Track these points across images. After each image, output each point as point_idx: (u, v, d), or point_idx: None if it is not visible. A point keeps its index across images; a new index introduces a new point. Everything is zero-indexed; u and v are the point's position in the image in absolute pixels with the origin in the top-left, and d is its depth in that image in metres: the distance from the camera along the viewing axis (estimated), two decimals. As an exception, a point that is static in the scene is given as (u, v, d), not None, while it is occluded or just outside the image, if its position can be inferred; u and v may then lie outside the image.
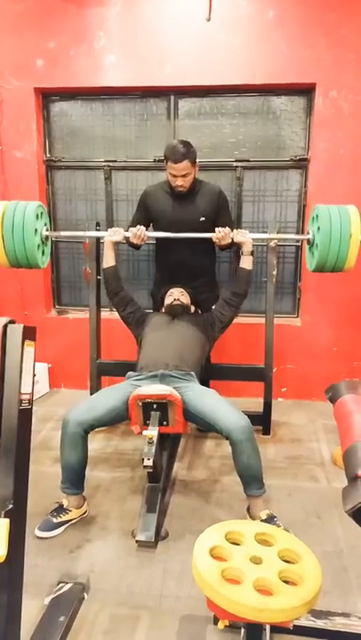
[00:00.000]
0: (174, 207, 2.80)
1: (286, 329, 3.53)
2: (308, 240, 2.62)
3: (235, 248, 2.79)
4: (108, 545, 2.08)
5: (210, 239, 2.66)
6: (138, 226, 2.67)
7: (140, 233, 2.64)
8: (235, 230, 2.66)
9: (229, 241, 2.64)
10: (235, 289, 2.72)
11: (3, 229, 2.41)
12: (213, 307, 3.01)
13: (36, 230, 2.45)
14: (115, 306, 2.81)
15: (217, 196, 2.84)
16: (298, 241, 3.55)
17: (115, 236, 2.69)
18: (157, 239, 2.99)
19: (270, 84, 3.26)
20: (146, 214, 2.89)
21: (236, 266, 3.50)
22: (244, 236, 2.65)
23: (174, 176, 2.66)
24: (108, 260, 2.74)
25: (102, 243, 2.96)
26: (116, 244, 2.75)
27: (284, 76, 3.22)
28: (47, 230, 2.63)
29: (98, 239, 3.03)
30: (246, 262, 2.68)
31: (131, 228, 2.68)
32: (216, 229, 2.64)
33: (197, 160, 2.72)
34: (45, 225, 2.62)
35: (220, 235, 2.61)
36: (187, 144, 2.64)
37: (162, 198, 2.83)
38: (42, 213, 2.56)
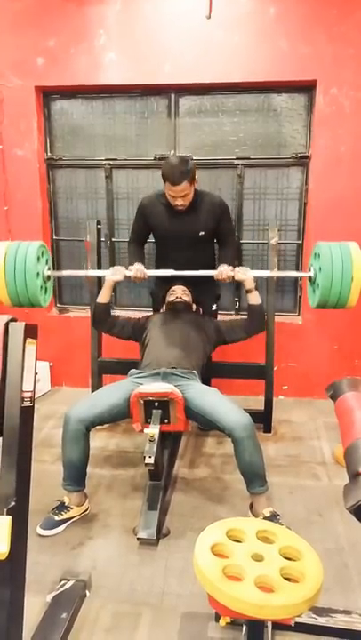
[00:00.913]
0: (172, 221, 2.75)
1: (287, 327, 3.53)
2: (310, 278, 2.59)
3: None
4: (109, 542, 2.09)
5: (210, 240, 2.62)
6: (137, 266, 2.63)
7: (140, 274, 2.61)
8: (236, 269, 2.60)
9: (230, 280, 2.61)
10: (252, 324, 2.69)
11: (5, 274, 2.39)
12: (214, 306, 3.02)
13: (38, 274, 2.44)
14: (104, 332, 2.87)
15: (217, 207, 2.79)
16: (299, 232, 3.52)
17: (116, 275, 2.64)
18: (157, 244, 2.96)
19: (271, 82, 3.26)
20: (144, 226, 2.87)
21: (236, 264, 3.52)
22: (245, 274, 2.58)
23: (173, 197, 2.62)
24: (104, 297, 2.71)
25: (103, 240, 2.96)
26: (117, 282, 2.71)
27: (284, 74, 3.21)
28: (49, 270, 2.61)
29: (99, 238, 3.02)
30: (253, 299, 2.64)
31: (131, 267, 2.64)
32: (218, 269, 2.61)
33: (196, 175, 2.65)
34: (47, 263, 2.60)
35: (223, 276, 2.58)
36: (185, 162, 2.56)
37: (159, 211, 2.77)
38: (43, 253, 2.54)
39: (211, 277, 2.88)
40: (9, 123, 3.49)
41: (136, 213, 2.91)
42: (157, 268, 3.09)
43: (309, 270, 2.55)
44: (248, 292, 2.63)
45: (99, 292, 2.75)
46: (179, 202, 2.64)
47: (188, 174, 2.54)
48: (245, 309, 3.63)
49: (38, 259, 2.44)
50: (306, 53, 3.15)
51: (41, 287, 2.48)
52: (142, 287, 3.56)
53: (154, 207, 2.80)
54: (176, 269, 2.80)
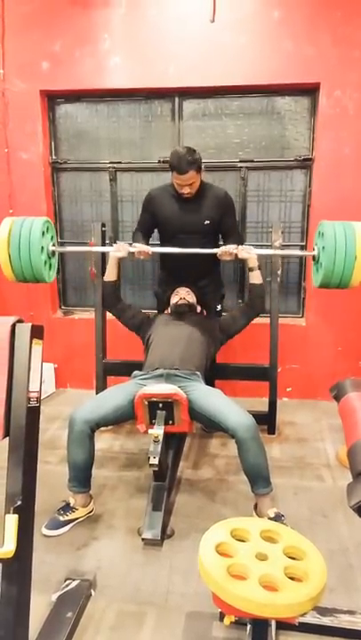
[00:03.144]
0: (179, 211, 2.81)
1: (291, 329, 3.53)
2: (314, 257, 2.60)
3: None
4: (114, 543, 2.10)
5: (214, 235, 2.66)
6: (141, 242, 2.70)
7: (144, 249, 2.67)
8: (239, 247, 2.66)
9: (233, 258, 2.66)
10: (252, 304, 2.72)
11: (9, 248, 2.42)
12: (219, 307, 3.04)
13: (42, 248, 2.46)
14: (114, 315, 2.85)
15: (222, 199, 2.84)
16: (303, 234, 3.53)
17: (120, 251, 2.71)
18: (162, 239, 3.00)
19: (274, 85, 3.27)
20: (151, 217, 2.90)
21: (241, 266, 3.54)
22: (248, 252, 2.63)
23: (180, 185, 2.68)
24: (111, 275, 2.76)
25: (108, 243, 2.99)
26: (121, 259, 2.77)
27: (288, 76, 3.22)
28: (54, 245, 2.64)
29: (103, 240, 3.04)
30: (255, 278, 2.67)
31: (135, 244, 2.71)
32: (221, 248, 2.66)
33: (202, 164, 2.71)
34: (52, 239, 2.64)
35: (226, 252, 2.63)
36: (191, 152, 2.61)
37: (167, 202, 2.83)
38: (48, 228, 2.57)
39: (215, 274, 2.89)
40: (14, 126, 3.52)
41: (143, 205, 2.95)
42: (162, 265, 3.12)
43: (313, 250, 2.57)
44: (251, 270, 2.66)
45: (103, 295, 2.77)
46: (185, 190, 2.69)
47: (194, 163, 2.60)
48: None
49: (43, 234, 2.46)
50: (309, 56, 3.17)
51: (45, 262, 2.51)
52: (147, 289, 3.58)
53: (162, 197, 2.86)
54: (180, 265, 2.83)
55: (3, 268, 2.53)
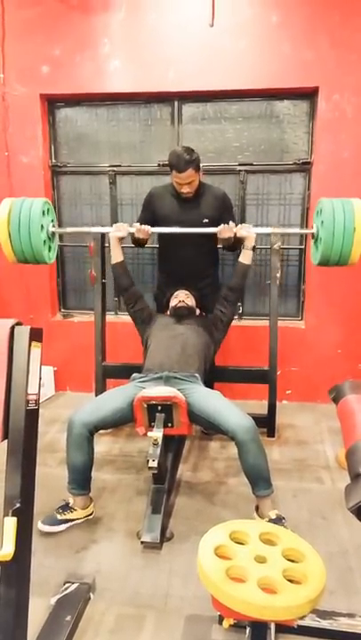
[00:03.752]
0: (179, 210, 2.83)
1: (290, 331, 3.54)
2: (313, 234, 2.62)
3: (239, 251, 2.80)
4: (113, 546, 2.10)
5: (213, 236, 2.70)
6: (140, 224, 2.73)
7: (144, 227, 2.70)
8: (239, 225, 2.69)
9: (232, 235, 2.67)
10: (231, 284, 2.76)
11: (9, 225, 2.44)
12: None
13: (42, 227, 2.47)
14: (125, 302, 2.85)
15: (221, 199, 2.87)
16: (302, 237, 3.54)
17: (119, 231, 2.74)
18: (160, 241, 3.02)
19: (273, 89, 3.29)
20: (151, 215, 2.92)
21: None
22: (247, 231, 2.67)
23: (179, 184, 2.71)
24: (116, 256, 2.78)
25: (107, 247, 2.99)
26: (122, 240, 2.79)
27: (286, 81, 3.24)
28: (54, 227, 2.66)
29: (103, 242, 3.05)
30: (246, 257, 2.70)
31: (134, 224, 2.75)
32: (220, 225, 2.69)
33: (201, 165, 2.74)
34: (52, 221, 2.66)
35: (225, 230, 2.65)
36: (190, 151, 2.66)
37: (167, 200, 2.86)
38: (48, 210, 2.60)
39: (213, 276, 2.89)
40: (14, 130, 3.53)
41: (144, 203, 2.98)
42: (161, 267, 3.14)
43: (313, 228, 2.58)
44: (245, 248, 2.69)
45: (104, 296, 2.78)
46: (185, 189, 2.72)
47: (193, 162, 2.64)
48: (248, 313, 3.70)
49: (43, 213, 2.47)
50: (308, 60, 3.18)
51: (44, 242, 2.52)
52: (146, 292, 3.58)
53: (162, 196, 2.89)
54: (179, 267, 2.84)
55: (3, 248, 2.53)
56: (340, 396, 1.45)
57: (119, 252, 2.77)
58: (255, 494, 2.17)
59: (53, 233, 2.65)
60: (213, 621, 1.66)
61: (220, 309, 2.75)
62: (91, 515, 2.27)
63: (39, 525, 2.12)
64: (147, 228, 2.71)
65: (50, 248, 2.63)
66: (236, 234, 2.67)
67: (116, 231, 2.75)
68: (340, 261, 2.46)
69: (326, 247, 2.41)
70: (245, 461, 2.11)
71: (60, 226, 3.79)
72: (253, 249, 2.70)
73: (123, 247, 2.81)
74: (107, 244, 3.07)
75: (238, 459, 2.13)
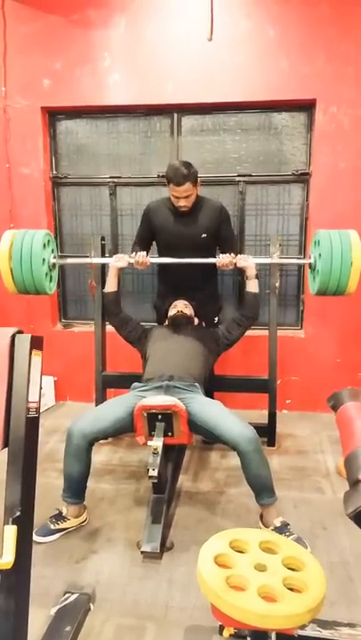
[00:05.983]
0: (176, 224, 2.84)
1: (290, 341, 3.55)
2: (310, 264, 2.64)
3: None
4: (113, 556, 2.09)
5: (212, 247, 2.72)
6: (140, 252, 2.74)
7: (143, 260, 2.72)
8: (238, 256, 2.70)
9: (232, 266, 2.69)
10: (245, 312, 2.76)
11: (11, 260, 2.46)
12: (216, 319, 3.05)
13: (44, 260, 2.49)
14: (114, 327, 2.86)
15: (218, 212, 2.87)
16: (302, 247, 3.57)
17: (119, 262, 2.76)
18: (160, 252, 3.03)
19: (271, 101, 3.33)
20: (149, 229, 2.94)
21: (239, 280, 3.56)
22: (246, 261, 2.68)
23: (177, 197, 2.72)
24: (111, 285, 2.80)
25: (108, 256, 3.01)
26: (121, 269, 2.80)
27: (284, 93, 3.28)
28: (55, 258, 2.68)
29: (102, 248, 3.07)
30: (252, 286, 2.72)
31: (132, 254, 2.75)
32: (220, 256, 2.70)
33: (199, 178, 2.76)
34: (53, 252, 2.67)
35: (225, 261, 2.67)
36: (187, 165, 2.67)
37: (164, 215, 2.87)
38: (49, 241, 2.61)
39: (212, 287, 2.91)
40: (15, 142, 3.57)
41: (142, 218, 2.99)
42: (160, 277, 3.15)
43: (310, 258, 2.61)
44: (248, 278, 2.71)
45: (104, 306, 2.79)
46: (182, 202, 2.72)
47: (190, 176, 2.65)
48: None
49: (44, 246, 2.50)
50: (306, 73, 3.23)
51: (46, 274, 2.54)
52: (146, 302, 3.60)
53: (159, 210, 2.90)
54: (178, 278, 2.85)
55: (4, 280, 2.55)
56: (339, 404, 1.45)
57: (115, 282, 2.79)
58: (259, 503, 2.17)
59: (54, 264, 2.67)
60: (214, 632, 1.65)
61: (227, 329, 2.75)
62: (84, 522, 2.27)
63: (34, 537, 2.11)
64: (145, 259, 2.72)
65: (51, 279, 2.65)
66: (236, 264, 2.68)
67: (116, 262, 2.76)
68: (337, 293, 2.49)
69: (323, 280, 2.44)
70: (249, 472, 2.11)
71: (60, 237, 3.83)
72: (257, 277, 2.72)
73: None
74: (107, 255, 3.09)
75: (241, 469, 2.13)
